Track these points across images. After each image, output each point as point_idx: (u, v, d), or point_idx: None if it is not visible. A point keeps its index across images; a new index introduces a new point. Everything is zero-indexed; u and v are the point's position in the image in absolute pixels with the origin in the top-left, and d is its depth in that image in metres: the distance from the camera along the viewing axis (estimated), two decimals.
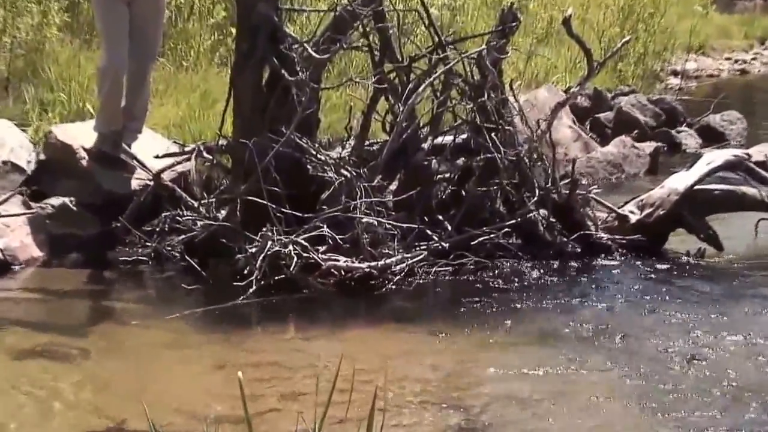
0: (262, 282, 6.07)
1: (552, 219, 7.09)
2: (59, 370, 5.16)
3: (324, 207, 6.50)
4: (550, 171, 7.17)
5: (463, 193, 7.07)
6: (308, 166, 6.63)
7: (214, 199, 6.85)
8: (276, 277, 6.13)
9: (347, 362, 4.97)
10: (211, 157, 7.10)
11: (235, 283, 6.08)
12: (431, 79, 6.93)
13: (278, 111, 6.64)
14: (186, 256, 6.60)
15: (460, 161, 7.26)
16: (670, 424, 4.51)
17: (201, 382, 5.03)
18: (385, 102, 7.15)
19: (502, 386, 4.94)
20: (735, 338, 5.56)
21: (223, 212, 6.77)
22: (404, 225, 6.56)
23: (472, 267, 6.61)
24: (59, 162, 7.32)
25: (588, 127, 11.21)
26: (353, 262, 6.28)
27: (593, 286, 6.51)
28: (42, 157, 7.43)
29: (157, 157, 7.09)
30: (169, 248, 6.82)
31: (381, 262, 6.31)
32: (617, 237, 7.13)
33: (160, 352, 5.45)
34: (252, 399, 4.59)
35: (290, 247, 6.17)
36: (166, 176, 7.10)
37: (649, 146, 10.26)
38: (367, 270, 6.27)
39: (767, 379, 5.02)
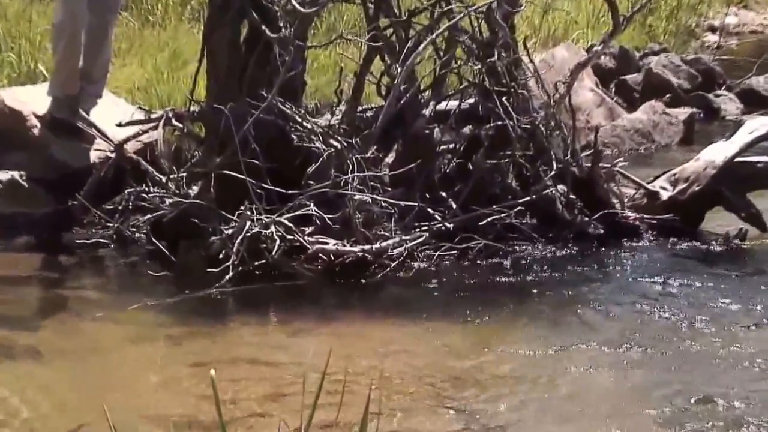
0: (240, 268, 6.07)
1: (572, 196, 7.09)
2: (7, 369, 5.16)
3: (311, 182, 6.50)
4: (569, 141, 7.16)
5: (470, 166, 7.06)
6: (293, 136, 6.63)
7: (184, 174, 6.85)
8: (256, 263, 6.13)
9: (337, 359, 4.98)
10: (181, 126, 7.09)
11: (209, 270, 6.08)
12: (433, 36, 6.92)
13: (258, 72, 6.62)
14: (153, 239, 6.60)
15: (467, 130, 7.25)
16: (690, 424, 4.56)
17: (169, 382, 5.03)
18: (380, 62, 7.13)
19: (511, 386, 4.95)
20: None
21: (195, 188, 6.77)
22: (402, 203, 6.56)
23: (479, 251, 6.62)
24: (7, 131, 7.30)
25: (613, 90, 11.20)
26: (344, 246, 6.28)
27: (618, 272, 6.52)
28: None
29: (119, 125, 7.08)
30: (134, 229, 6.82)
31: (376, 246, 6.32)
32: (646, 216, 7.13)
33: (123, 347, 5.45)
34: (228, 401, 4.60)
35: (272, 228, 6.17)
36: (130, 147, 7.09)
37: (682, 112, 10.25)
38: (360, 254, 6.27)
39: None
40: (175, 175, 6.84)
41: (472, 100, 7.20)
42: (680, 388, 4.89)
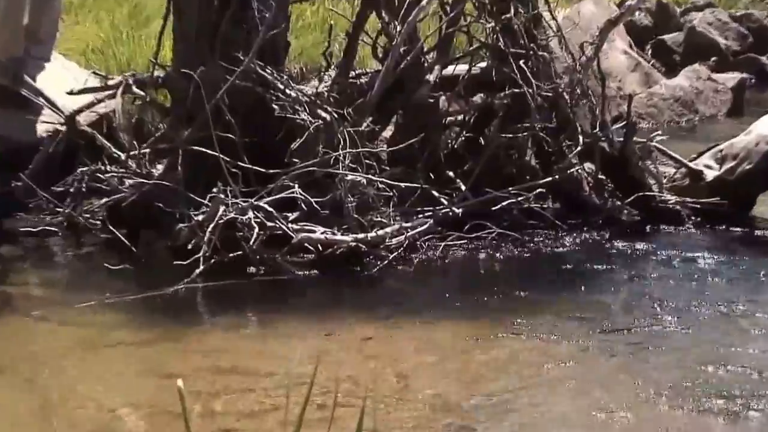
0: (213, 260, 6.07)
1: (601, 176, 7.09)
2: None
3: (295, 160, 6.50)
4: (598, 111, 7.16)
5: (482, 141, 7.07)
6: (274, 106, 6.62)
7: (147, 150, 6.84)
8: (231, 254, 6.13)
9: (327, 366, 4.98)
10: (143, 93, 7.08)
11: (175, 262, 6.08)
12: None
13: (233, 31, 6.62)
14: (110, 226, 6.60)
15: (478, 99, 7.26)
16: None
17: (129, 393, 5.02)
18: (376, 20, 7.13)
19: (521, 397, 4.95)
20: None
21: (160, 167, 6.77)
22: (403, 184, 6.56)
23: (492, 240, 6.63)
24: None
25: (649, 52, 11.21)
26: (334, 234, 6.28)
27: (655, 266, 6.52)
28: None
29: (71, 93, 7.07)
30: (88, 215, 6.82)
31: (371, 234, 6.32)
32: (688, 200, 7.14)
33: (73, 352, 5.44)
34: (199, 416, 4.60)
35: (250, 213, 6.17)
36: (83, 119, 7.08)
37: (731, 78, 10.27)
38: (353, 244, 6.28)
39: None
40: (137, 152, 6.83)
41: (484, 64, 7.20)
42: (717, 385, 4.93)
